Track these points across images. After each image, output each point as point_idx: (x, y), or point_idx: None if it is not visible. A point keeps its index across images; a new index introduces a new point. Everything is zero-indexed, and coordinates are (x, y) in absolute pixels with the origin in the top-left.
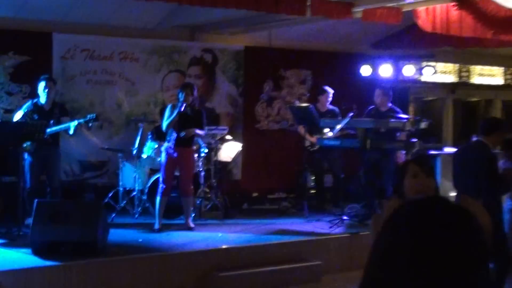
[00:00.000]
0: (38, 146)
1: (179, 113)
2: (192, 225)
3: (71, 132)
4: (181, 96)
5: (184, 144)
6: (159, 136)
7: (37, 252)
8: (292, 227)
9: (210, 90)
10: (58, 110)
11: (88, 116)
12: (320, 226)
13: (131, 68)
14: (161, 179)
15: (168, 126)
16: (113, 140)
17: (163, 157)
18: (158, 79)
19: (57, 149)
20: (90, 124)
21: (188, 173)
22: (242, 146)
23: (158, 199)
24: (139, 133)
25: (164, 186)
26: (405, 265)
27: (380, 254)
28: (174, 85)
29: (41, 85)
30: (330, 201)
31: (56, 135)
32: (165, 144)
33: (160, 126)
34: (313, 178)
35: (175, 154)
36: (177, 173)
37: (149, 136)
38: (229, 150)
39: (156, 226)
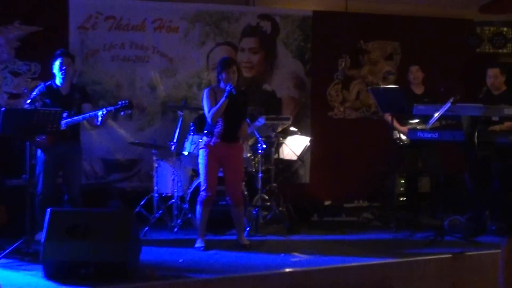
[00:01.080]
0: (54, 141)
1: (230, 96)
2: (246, 242)
3: (98, 122)
4: (224, 75)
5: (231, 138)
6: (204, 126)
7: (50, 276)
8: (376, 245)
9: (269, 69)
10: (78, 94)
11: (120, 102)
12: (412, 244)
13: (168, 40)
14: (202, 185)
15: (216, 115)
16: (146, 132)
17: (201, 156)
18: (202, 54)
19: (77, 145)
20: (123, 113)
21: (238, 175)
22: (311, 141)
23: (198, 210)
24: (179, 124)
25: (207, 194)
26: None
27: None
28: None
29: (57, 63)
30: (425, 211)
31: (76, 127)
32: (204, 138)
33: (204, 115)
34: (403, 181)
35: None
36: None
37: (192, 128)
38: (294, 145)
39: (199, 244)
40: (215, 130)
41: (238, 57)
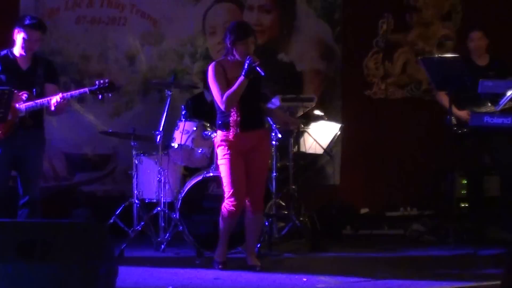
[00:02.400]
0: (9, 132)
1: (251, 73)
2: (257, 262)
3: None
4: (241, 47)
5: (253, 124)
6: (200, 111)
7: None
8: (429, 265)
9: (286, 33)
10: (42, 70)
11: (97, 82)
12: (477, 263)
13: None
14: (226, 191)
15: (233, 100)
16: (122, 119)
17: (221, 155)
18: (196, 14)
19: (39, 136)
20: (100, 97)
21: (264, 171)
22: (342, 129)
23: (222, 223)
24: (166, 107)
25: (235, 203)
26: None
27: None
28: (225, 25)
29: (20, 35)
30: (494, 221)
31: (39, 113)
32: (218, 133)
33: (201, 95)
34: (465, 182)
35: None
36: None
37: (183, 112)
38: (320, 135)
39: (217, 257)
40: (230, 119)
41: (244, 18)
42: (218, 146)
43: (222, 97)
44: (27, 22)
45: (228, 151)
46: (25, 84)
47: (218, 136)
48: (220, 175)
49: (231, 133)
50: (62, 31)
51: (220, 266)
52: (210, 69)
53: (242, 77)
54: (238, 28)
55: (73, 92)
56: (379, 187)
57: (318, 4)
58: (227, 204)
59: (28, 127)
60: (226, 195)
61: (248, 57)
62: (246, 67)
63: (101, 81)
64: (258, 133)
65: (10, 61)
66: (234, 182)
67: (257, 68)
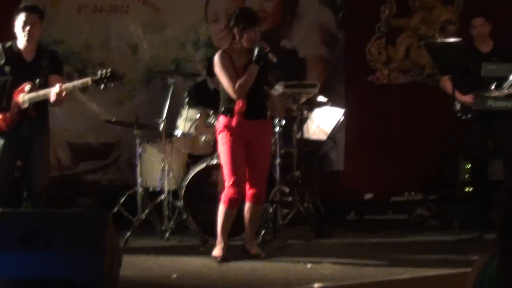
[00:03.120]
0: (14, 123)
1: (261, 60)
2: (257, 251)
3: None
4: (249, 34)
5: (258, 113)
6: (203, 98)
7: None
8: (433, 250)
9: (289, 20)
10: (46, 61)
11: (100, 72)
12: (481, 248)
13: None
14: (227, 179)
15: (244, 89)
16: (125, 107)
17: (222, 142)
18: (199, 1)
19: (44, 126)
20: (103, 86)
21: (266, 162)
22: (345, 114)
23: (222, 210)
24: (169, 95)
25: (235, 190)
26: None
27: None
28: (228, 11)
29: (19, 20)
30: (498, 205)
31: (43, 104)
32: (221, 119)
33: (204, 82)
34: (469, 167)
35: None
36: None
37: (186, 100)
38: (323, 121)
39: (217, 252)
40: (236, 106)
41: (246, 5)
42: (219, 132)
43: (233, 86)
44: (22, 6)
45: (230, 138)
46: (29, 75)
47: (220, 121)
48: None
49: (234, 120)
50: (64, 21)
51: (218, 260)
52: (217, 58)
53: (253, 65)
54: (247, 15)
55: (75, 83)
56: (383, 173)
57: None
58: (228, 192)
59: (32, 118)
60: (227, 183)
61: (259, 43)
62: (256, 53)
63: (103, 71)
64: (261, 122)
65: (14, 53)
66: (235, 170)
67: (269, 54)
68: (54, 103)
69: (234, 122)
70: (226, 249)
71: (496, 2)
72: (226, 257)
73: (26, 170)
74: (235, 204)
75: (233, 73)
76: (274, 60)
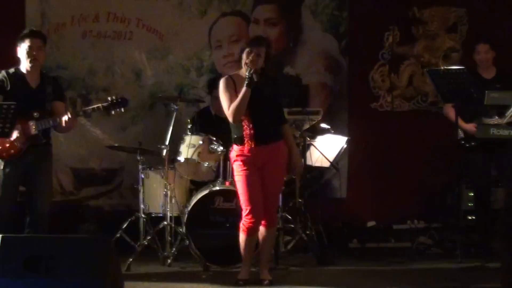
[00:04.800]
0: (22, 150)
1: (251, 85)
2: (269, 277)
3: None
4: (244, 56)
5: (268, 138)
6: (206, 124)
7: None
8: (436, 278)
9: (292, 47)
10: (50, 88)
11: (111, 98)
12: (484, 276)
13: (157, 9)
14: (244, 208)
15: (237, 112)
16: (129, 133)
17: (237, 170)
18: (203, 28)
19: (48, 152)
20: (113, 112)
21: (278, 186)
22: (348, 141)
23: (242, 238)
24: (172, 121)
25: (253, 219)
26: None
27: None
28: (231, 38)
29: (23, 46)
30: (502, 234)
31: (47, 131)
32: (235, 148)
33: (207, 109)
34: (472, 195)
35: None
36: None
37: (189, 126)
38: (326, 148)
39: (241, 276)
40: (244, 133)
41: (250, 32)
42: (234, 161)
43: (229, 110)
44: (26, 31)
45: (245, 167)
46: (35, 102)
47: (234, 150)
48: (236, 190)
49: (246, 147)
50: (68, 46)
51: (241, 283)
52: (221, 83)
53: (244, 88)
54: (249, 40)
55: (85, 109)
56: (386, 200)
57: (324, 17)
58: (246, 221)
59: (38, 145)
60: (244, 212)
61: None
62: (246, 77)
63: (114, 97)
64: (273, 146)
65: (19, 78)
66: (251, 199)
67: (252, 76)
68: (63, 129)
69: (246, 150)
70: (249, 273)
71: (498, 31)
72: (248, 281)
73: (29, 195)
74: (254, 231)
75: (233, 97)
76: (254, 79)
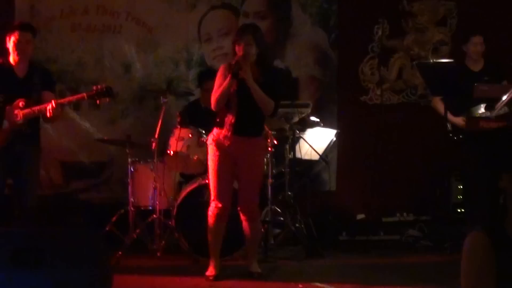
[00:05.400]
0: (7, 139)
1: (237, 74)
2: (258, 270)
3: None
4: (235, 46)
5: (246, 131)
6: (196, 117)
7: None
8: (425, 271)
9: (282, 39)
10: (38, 78)
11: (95, 87)
12: None
13: (146, 3)
14: (212, 193)
15: (218, 100)
16: (118, 126)
17: (210, 155)
18: (192, 21)
19: (35, 145)
20: (98, 101)
21: (255, 179)
22: (337, 134)
23: (208, 227)
24: (162, 114)
25: (217, 205)
26: None
27: None
28: (220, 31)
29: (12, 38)
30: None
31: (35, 121)
32: (214, 131)
33: (197, 102)
34: (462, 188)
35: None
36: None
37: (178, 119)
38: (316, 141)
39: (209, 272)
40: (226, 118)
41: (239, 24)
42: (209, 145)
43: (212, 96)
44: (16, 24)
45: (217, 153)
46: (22, 92)
47: (212, 134)
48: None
49: (222, 133)
50: (57, 39)
51: (211, 279)
52: (219, 69)
53: (229, 77)
54: (238, 30)
55: (70, 98)
56: (375, 193)
57: (314, 10)
58: (211, 207)
59: (25, 135)
60: (212, 197)
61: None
62: (233, 67)
63: (99, 86)
64: (251, 140)
65: (6, 70)
66: (219, 184)
67: (239, 66)
68: (49, 119)
69: (222, 135)
70: (220, 267)
71: (487, 24)
72: (218, 276)
73: (17, 187)
74: (220, 218)
75: (219, 85)
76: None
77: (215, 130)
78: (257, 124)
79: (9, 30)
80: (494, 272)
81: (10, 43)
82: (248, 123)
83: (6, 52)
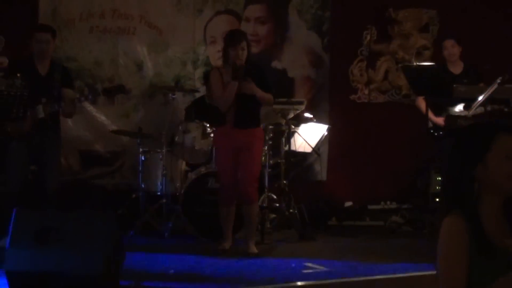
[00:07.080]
0: (32, 128)
1: (236, 76)
2: (255, 250)
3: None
4: (231, 52)
5: (246, 123)
6: (201, 112)
7: None
8: (406, 253)
9: (279, 43)
10: (59, 75)
11: (110, 85)
12: None
13: (158, 8)
14: (220, 183)
15: (227, 103)
16: (130, 119)
17: (215, 148)
18: (198, 25)
19: (56, 135)
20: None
21: (253, 167)
22: (329, 129)
23: (220, 213)
24: (170, 109)
25: (223, 193)
26: None
27: None
28: (224, 35)
29: (35, 36)
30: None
31: (56, 115)
32: (217, 130)
33: (202, 98)
34: (440, 179)
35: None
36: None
37: (185, 114)
38: (309, 135)
39: (221, 246)
40: (227, 116)
41: (241, 29)
42: (214, 141)
43: (218, 100)
44: (38, 25)
45: (221, 148)
46: (44, 88)
47: (215, 134)
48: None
49: (224, 128)
50: (77, 40)
51: (219, 251)
52: (210, 75)
53: (232, 82)
54: (229, 35)
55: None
56: (362, 183)
57: (309, 16)
58: (219, 194)
59: (46, 127)
60: (220, 186)
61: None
62: (232, 72)
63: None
64: (250, 131)
65: (30, 67)
66: (222, 175)
67: (238, 69)
68: (67, 114)
69: (224, 130)
70: (230, 243)
71: (466, 31)
72: (227, 251)
73: (40, 173)
74: (227, 203)
75: (220, 88)
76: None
77: (218, 127)
78: (254, 116)
79: (33, 31)
80: (468, 255)
81: (33, 42)
82: (247, 117)
83: (31, 51)
